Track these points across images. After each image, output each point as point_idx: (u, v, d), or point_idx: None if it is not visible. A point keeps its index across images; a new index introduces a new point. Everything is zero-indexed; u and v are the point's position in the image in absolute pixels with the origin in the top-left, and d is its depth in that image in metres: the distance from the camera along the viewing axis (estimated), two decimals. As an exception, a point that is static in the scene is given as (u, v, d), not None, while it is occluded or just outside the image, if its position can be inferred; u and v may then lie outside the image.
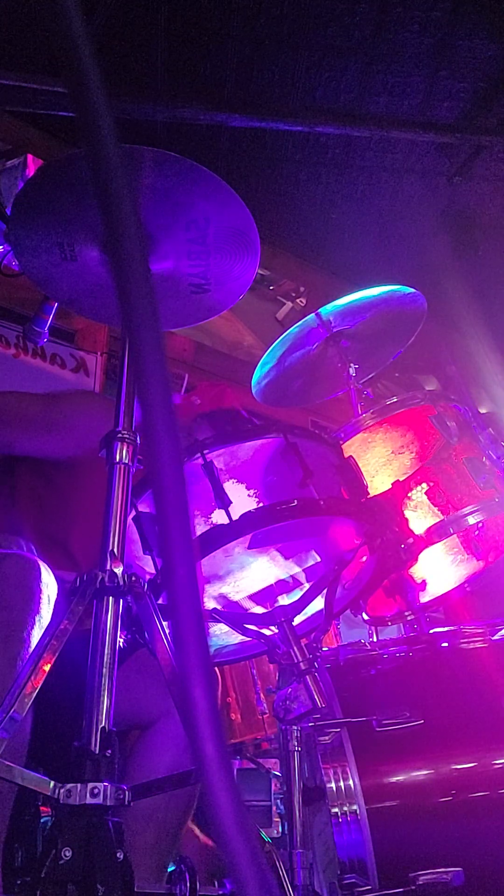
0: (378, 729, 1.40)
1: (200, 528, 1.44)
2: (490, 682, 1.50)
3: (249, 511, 1.37)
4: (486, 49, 2.82)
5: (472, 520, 1.72)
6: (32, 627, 1.23)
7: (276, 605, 1.57)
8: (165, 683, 1.13)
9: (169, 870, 1.48)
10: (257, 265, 1.55)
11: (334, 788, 1.36)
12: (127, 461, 1.26)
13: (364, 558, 1.59)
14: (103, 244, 1.41)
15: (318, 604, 1.59)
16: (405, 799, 1.38)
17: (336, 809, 1.36)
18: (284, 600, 1.58)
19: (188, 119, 2.92)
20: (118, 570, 1.14)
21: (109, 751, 1.00)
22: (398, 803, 1.37)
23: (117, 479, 1.24)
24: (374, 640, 2.06)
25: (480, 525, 1.76)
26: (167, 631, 1.13)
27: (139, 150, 1.33)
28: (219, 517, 1.41)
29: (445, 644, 1.66)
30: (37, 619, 1.25)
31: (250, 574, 1.55)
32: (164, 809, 1.47)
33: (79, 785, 0.96)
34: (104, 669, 1.06)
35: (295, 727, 1.55)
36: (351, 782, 1.36)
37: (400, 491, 1.74)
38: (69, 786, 0.96)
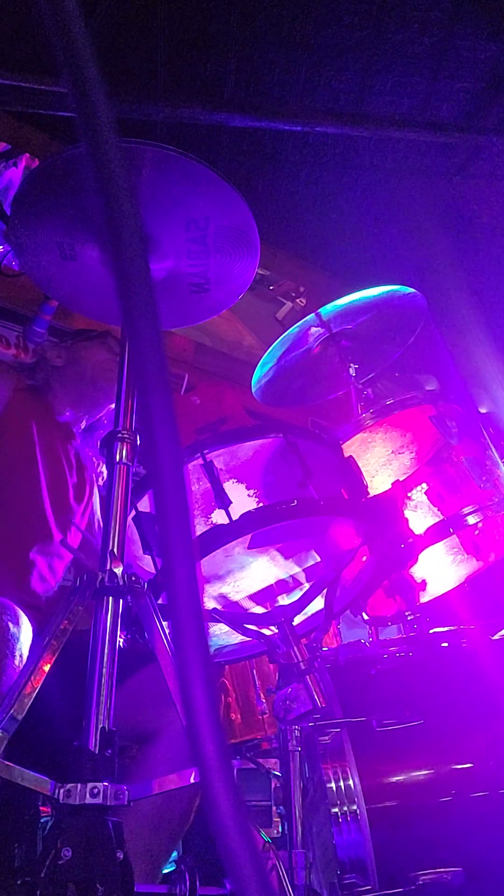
0: (378, 729, 1.40)
1: (200, 528, 1.43)
2: (490, 682, 1.50)
3: (249, 511, 1.36)
4: (486, 49, 2.81)
5: (472, 520, 1.72)
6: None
7: (276, 605, 1.57)
8: (167, 691, 1.12)
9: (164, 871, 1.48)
10: (257, 265, 1.55)
11: (334, 788, 1.36)
12: (127, 461, 1.26)
13: (364, 558, 1.59)
14: (103, 243, 1.41)
15: (318, 604, 1.59)
16: (405, 799, 1.38)
17: (336, 809, 1.35)
18: (284, 600, 1.58)
19: (188, 119, 2.91)
20: (118, 570, 1.14)
21: (109, 751, 1.00)
22: (398, 803, 1.37)
23: (117, 478, 1.24)
24: (375, 640, 2.06)
25: (480, 525, 1.76)
26: (167, 631, 1.13)
27: (139, 148, 1.32)
28: (219, 517, 1.41)
29: (445, 644, 1.66)
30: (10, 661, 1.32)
31: (250, 574, 1.55)
32: (160, 813, 1.46)
33: (78, 785, 0.96)
34: (104, 669, 1.06)
35: (295, 727, 1.54)
36: (351, 782, 1.36)
37: (400, 491, 1.74)
38: (69, 786, 0.95)
